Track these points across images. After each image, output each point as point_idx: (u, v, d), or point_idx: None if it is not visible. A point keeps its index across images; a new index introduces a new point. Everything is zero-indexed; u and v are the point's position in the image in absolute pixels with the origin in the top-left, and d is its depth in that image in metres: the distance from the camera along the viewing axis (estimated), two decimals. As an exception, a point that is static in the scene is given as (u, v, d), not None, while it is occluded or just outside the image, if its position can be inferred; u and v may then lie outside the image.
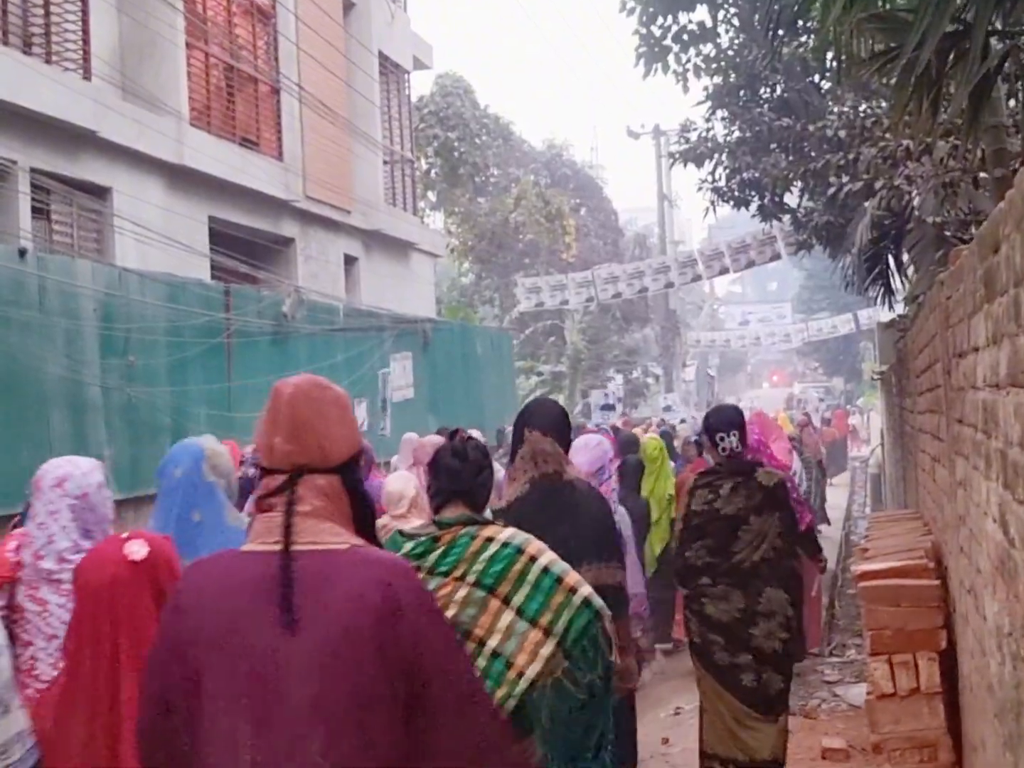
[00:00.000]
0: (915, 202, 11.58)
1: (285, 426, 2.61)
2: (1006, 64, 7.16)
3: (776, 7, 17.61)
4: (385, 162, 22.79)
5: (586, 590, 3.49)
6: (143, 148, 14.50)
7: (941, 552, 5.81)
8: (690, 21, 20.07)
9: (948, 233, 11.06)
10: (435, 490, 3.72)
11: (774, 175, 16.14)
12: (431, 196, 36.90)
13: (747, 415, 7.57)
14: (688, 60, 20.43)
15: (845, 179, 13.19)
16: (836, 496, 24.67)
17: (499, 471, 6.88)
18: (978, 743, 4.24)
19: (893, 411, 14.96)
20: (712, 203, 19.92)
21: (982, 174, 9.74)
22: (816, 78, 17.71)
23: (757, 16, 18.56)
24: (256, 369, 14.19)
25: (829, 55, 11.28)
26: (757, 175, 18.31)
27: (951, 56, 6.48)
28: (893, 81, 7.39)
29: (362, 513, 2.68)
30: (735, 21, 19.80)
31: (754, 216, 20.13)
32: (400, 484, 5.92)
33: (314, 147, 18.96)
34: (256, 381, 14.10)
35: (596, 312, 38.67)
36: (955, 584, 5.06)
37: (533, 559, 3.46)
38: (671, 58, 20.42)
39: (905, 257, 13.83)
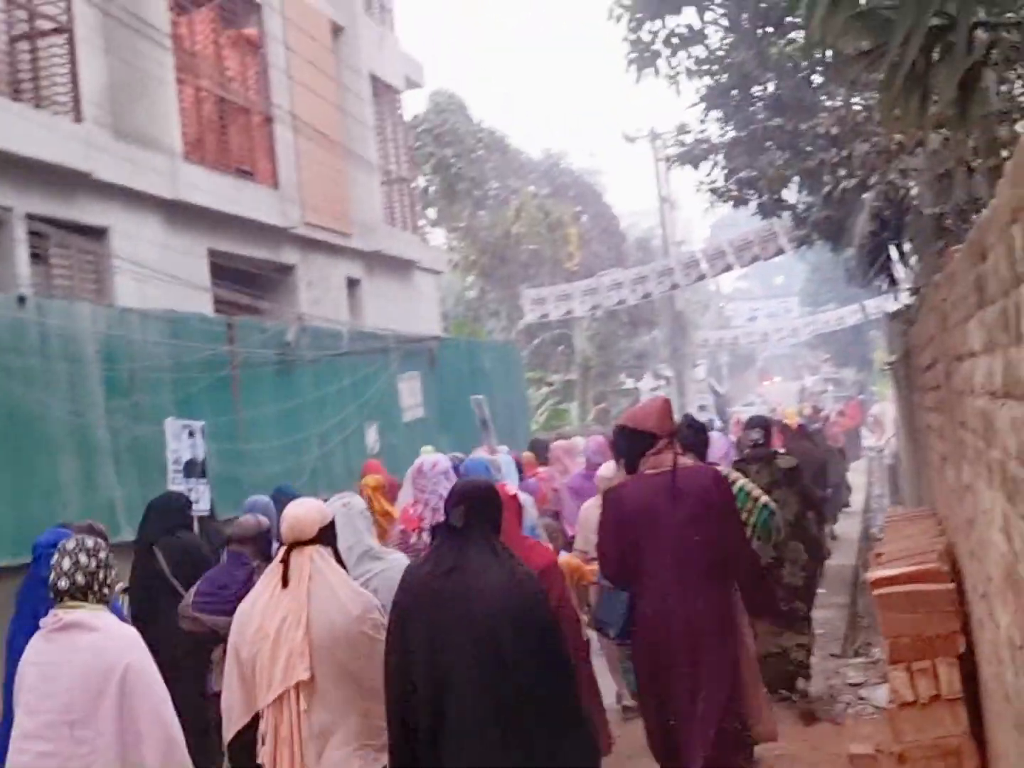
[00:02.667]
0: (913, 192, 11.54)
1: (656, 416, 6.05)
2: (992, 53, 7.12)
3: (763, 6, 17.60)
4: (382, 183, 22.80)
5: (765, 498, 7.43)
6: (138, 186, 14.51)
7: (955, 553, 5.76)
8: (678, 24, 20.03)
9: (948, 221, 11.01)
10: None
11: (770, 174, 16.10)
12: (431, 213, 36.97)
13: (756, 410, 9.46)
14: (679, 63, 20.38)
15: (841, 174, 13.16)
16: (854, 487, 24.55)
17: None
18: (1002, 751, 4.19)
19: (904, 402, 14.88)
20: (711, 203, 19.91)
21: (976, 162, 9.70)
22: (807, 74, 17.68)
23: (745, 16, 18.54)
24: (263, 400, 14.18)
25: (817, 53, 11.24)
26: (754, 174, 18.27)
27: (937, 50, 6.45)
28: (881, 77, 7.36)
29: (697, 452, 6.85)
30: (723, 22, 19.76)
31: (754, 214, 20.11)
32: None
33: (310, 173, 18.97)
34: (264, 412, 14.11)
35: (603, 318, 38.67)
36: (969, 587, 5.00)
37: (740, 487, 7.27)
38: (661, 62, 20.36)
39: (907, 246, 13.79)
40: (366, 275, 21.55)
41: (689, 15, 19.83)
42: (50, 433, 10.87)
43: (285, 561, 4.84)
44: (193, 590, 5.94)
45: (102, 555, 4.65)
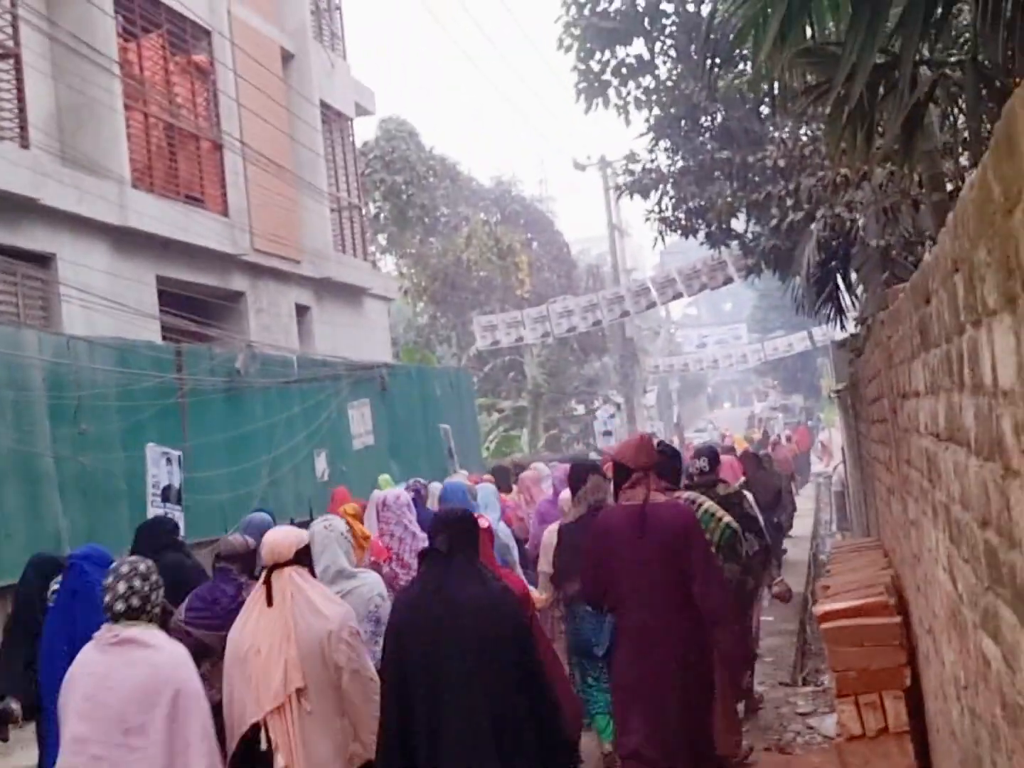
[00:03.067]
0: (859, 223, 11.66)
1: (633, 451, 6.53)
2: (936, 90, 7.23)
3: (711, 38, 17.74)
4: (332, 210, 22.77)
5: (727, 518, 7.83)
6: (85, 212, 14.41)
7: (901, 586, 5.80)
8: (627, 55, 20.21)
9: (894, 253, 11.13)
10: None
11: (719, 204, 16.23)
12: (381, 240, 36.93)
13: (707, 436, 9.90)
14: (628, 93, 20.55)
15: (789, 204, 13.28)
16: (802, 513, 24.70)
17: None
18: (947, 785, 4.21)
19: (851, 431, 15.01)
20: (660, 233, 20.00)
21: (921, 195, 9.83)
22: (755, 105, 17.85)
23: (693, 47, 18.71)
24: (212, 428, 14.09)
25: (765, 86, 11.36)
26: (702, 203, 18.40)
27: (882, 86, 6.54)
28: (828, 111, 7.46)
29: (670, 485, 7.25)
30: (672, 53, 19.95)
31: (703, 243, 20.23)
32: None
33: (260, 200, 18.92)
34: (212, 440, 14.01)
35: (554, 345, 38.72)
36: (915, 621, 5.04)
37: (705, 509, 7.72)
38: (611, 92, 20.53)
39: (854, 276, 13.92)
40: (316, 302, 21.50)
41: (639, 46, 20.02)
42: (-6, 463, 10.74)
43: (267, 582, 5.37)
44: (184, 606, 6.16)
45: (153, 578, 5.03)
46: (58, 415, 11.72)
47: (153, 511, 10.46)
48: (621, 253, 43.33)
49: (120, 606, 4.86)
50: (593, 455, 21.83)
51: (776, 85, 7.86)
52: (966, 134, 9.20)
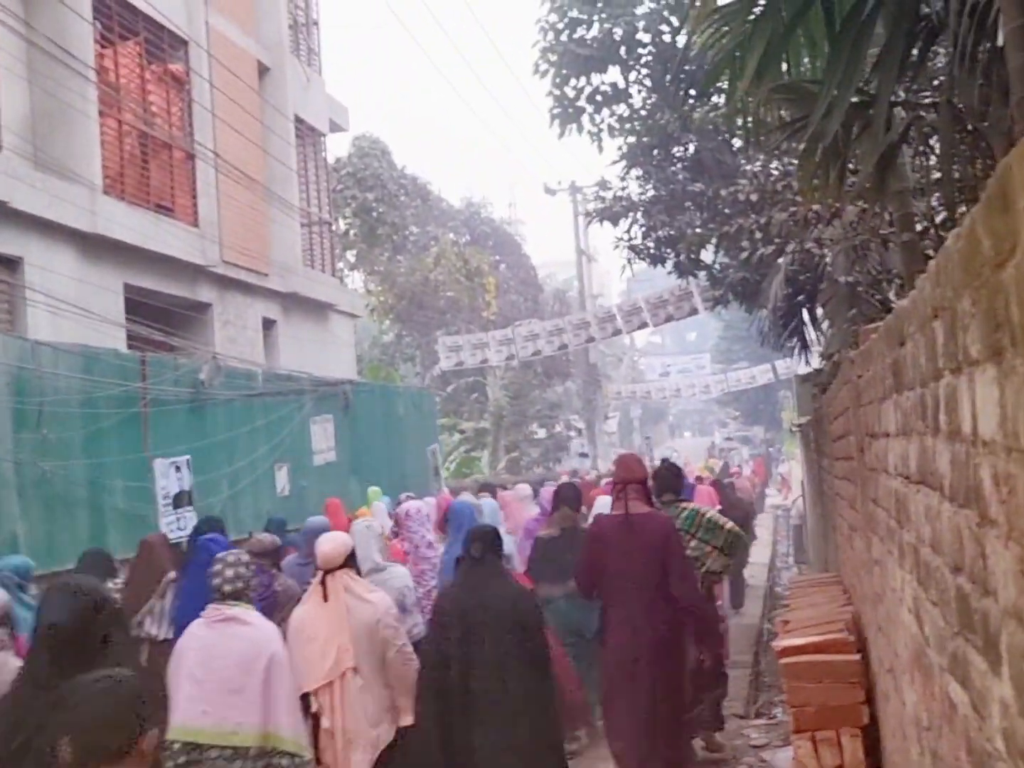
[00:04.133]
0: (828, 259, 11.76)
1: (618, 468, 8.17)
2: (911, 131, 7.32)
3: (685, 69, 17.91)
4: (303, 225, 22.73)
5: (731, 525, 8.92)
6: (55, 217, 14.32)
7: (861, 624, 5.84)
8: (603, 82, 20.35)
9: (861, 290, 11.23)
10: (656, 490, 8.79)
11: (689, 235, 16.33)
12: (350, 256, 36.88)
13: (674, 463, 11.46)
14: (602, 120, 20.68)
15: (759, 237, 13.38)
16: (759, 544, 24.81)
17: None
18: (902, 824, 4.23)
19: (812, 465, 15.09)
20: (629, 260, 20.08)
21: (891, 232, 9.92)
22: (728, 136, 17.99)
23: (668, 77, 18.86)
24: (174, 438, 13.98)
25: (739, 120, 11.47)
26: (672, 233, 18.51)
27: (856, 125, 6.62)
28: (802, 147, 7.52)
29: (648, 498, 7.91)
30: (647, 82, 20.10)
31: (670, 273, 20.33)
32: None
33: (230, 212, 18.86)
34: (174, 450, 13.91)
35: (518, 368, 38.76)
36: (875, 660, 5.07)
37: (708, 518, 8.86)
38: (585, 118, 20.66)
39: (820, 311, 14.02)
40: (282, 316, 21.44)
41: (614, 74, 20.17)
42: (-47, 466, 10.63)
43: (323, 583, 6.64)
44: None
45: (252, 567, 6.23)
46: (20, 420, 11.60)
47: (164, 520, 11.35)
48: (588, 279, 43.49)
49: (228, 588, 5.95)
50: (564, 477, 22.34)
51: (750, 119, 7.93)
52: (938, 175, 9.32)
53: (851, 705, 5.20)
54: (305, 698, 6.43)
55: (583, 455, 33.26)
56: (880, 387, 3.94)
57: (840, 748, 5.16)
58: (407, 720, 6.61)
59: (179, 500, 11.84)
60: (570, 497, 10.26)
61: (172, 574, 8.79)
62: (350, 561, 6.75)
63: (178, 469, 12.00)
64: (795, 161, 13.69)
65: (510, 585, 6.78)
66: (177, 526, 11.17)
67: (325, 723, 6.45)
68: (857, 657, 5.30)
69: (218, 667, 5.81)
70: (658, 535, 7.49)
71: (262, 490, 16.05)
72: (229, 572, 6.01)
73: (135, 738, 3.17)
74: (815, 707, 5.23)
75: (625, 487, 7.76)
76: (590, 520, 9.83)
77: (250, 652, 5.83)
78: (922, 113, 7.32)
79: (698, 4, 7.40)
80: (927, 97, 7.96)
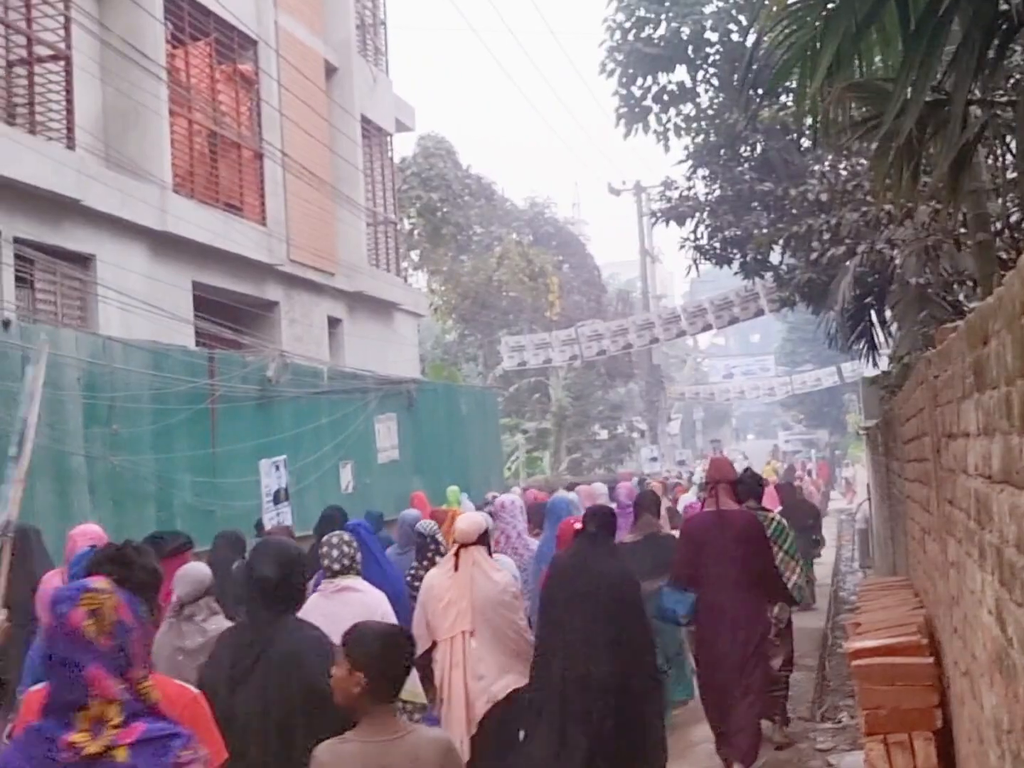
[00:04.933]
0: (897, 261, 11.63)
1: (710, 468, 9.18)
2: (986, 130, 7.22)
3: (753, 68, 17.77)
4: (368, 224, 22.84)
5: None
6: (126, 216, 14.51)
7: (934, 627, 5.77)
8: (669, 81, 20.28)
9: (931, 292, 11.10)
10: (741, 496, 9.22)
11: (756, 236, 16.22)
12: (414, 256, 37.01)
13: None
14: (668, 120, 20.60)
15: (827, 238, 13.27)
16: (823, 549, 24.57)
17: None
18: (977, 829, 4.18)
19: (880, 468, 14.92)
20: (695, 261, 20.00)
21: (963, 232, 9.80)
22: (796, 136, 17.85)
23: (736, 76, 18.74)
24: (241, 434, 14.11)
25: (808, 119, 11.38)
26: (739, 233, 18.40)
27: (931, 124, 6.53)
28: (873, 145, 7.44)
29: (736, 496, 8.84)
30: (714, 81, 19.99)
31: (736, 273, 20.22)
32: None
33: (297, 211, 19.01)
34: (241, 446, 14.04)
35: (580, 368, 38.71)
36: (949, 663, 5.01)
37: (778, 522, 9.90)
38: (651, 118, 20.60)
39: (888, 314, 13.86)
40: (348, 315, 21.56)
41: (681, 73, 20.08)
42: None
43: (456, 555, 7.56)
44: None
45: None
46: (91, 415, 11.77)
47: (267, 515, 11.85)
48: (652, 279, 43.34)
49: (337, 565, 6.72)
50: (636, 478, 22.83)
51: (821, 118, 7.85)
52: (1013, 174, 9.19)
53: (925, 708, 5.14)
54: (427, 653, 7.36)
55: (654, 459, 33.40)
56: (960, 386, 3.89)
57: (912, 751, 5.10)
58: (520, 682, 7.36)
59: (277, 497, 12.31)
60: (651, 504, 11.05)
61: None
62: (483, 539, 7.69)
63: (277, 468, 12.42)
64: (864, 161, 13.59)
65: (618, 561, 7.61)
66: (277, 520, 11.66)
67: (438, 675, 7.34)
68: (930, 660, 5.24)
69: (338, 630, 6.05)
70: (746, 529, 8.54)
71: (327, 487, 16.13)
72: (335, 552, 6.78)
73: (328, 668, 4.30)
74: (887, 710, 5.18)
75: (716, 486, 8.73)
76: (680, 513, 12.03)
77: (364, 614, 6.20)
78: (998, 112, 7.23)
79: (767, 2, 7.35)
80: (1003, 95, 7.85)
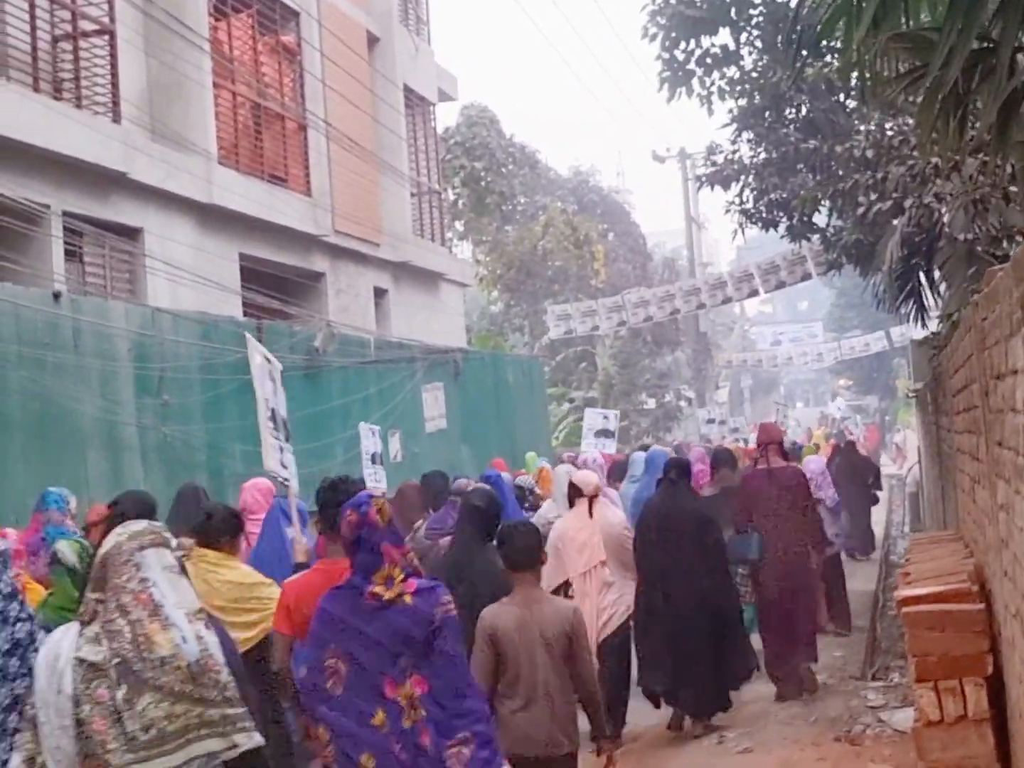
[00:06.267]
0: (945, 219, 11.50)
1: (760, 432, 10.96)
2: (1034, 79, 7.12)
3: (798, 28, 17.59)
4: (412, 194, 22.90)
5: None
6: (173, 188, 14.63)
7: (984, 575, 5.74)
8: (713, 44, 20.05)
9: (980, 249, 10.97)
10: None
11: (802, 196, 16.08)
12: (459, 226, 36.99)
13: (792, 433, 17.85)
14: (712, 83, 20.39)
15: (874, 197, 13.13)
16: (874, 513, 24.47)
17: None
18: (1029, 770, 4.18)
19: (930, 429, 14.83)
20: (740, 225, 19.85)
21: (1012, 189, 9.69)
22: (841, 97, 17.66)
23: (780, 37, 18.54)
24: (290, 404, 14.11)
25: (854, 75, 11.25)
26: (785, 196, 18.23)
27: (977, 73, 6.45)
28: (919, 99, 7.36)
29: (784, 454, 10.60)
30: (758, 43, 19.77)
31: (783, 237, 20.07)
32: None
33: (342, 181, 19.07)
34: (289, 416, 14.13)
35: (627, 337, 38.58)
36: (1000, 608, 5.00)
37: None
38: (695, 82, 20.39)
39: (937, 274, 13.72)
40: (393, 285, 21.64)
41: (724, 35, 19.87)
42: (80, 428, 10.97)
43: (589, 504, 8.91)
44: (425, 524, 9.75)
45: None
46: (142, 386, 11.92)
47: (367, 471, 12.30)
48: (698, 246, 43.14)
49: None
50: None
51: (866, 73, 7.75)
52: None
53: (975, 654, 5.13)
54: (566, 585, 8.77)
55: (711, 421, 32.97)
56: (1007, 324, 3.87)
57: (964, 697, 5.10)
58: (631, 608, 8.91)
59: (374, 458, 12.93)
60: (727, 460, 12.41)
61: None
62: (600, 491, 9.31)
63: (373, 434, 13.03)
64: (910, 121, 13.44)
65: (698, 502, 9.57)
66: (374, 479, 12.11)
67: (577, 602, 8.02)
68: (981, 606, 5.23)
69: None
70: (791, 482, 10.10)
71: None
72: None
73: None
74: (937, 656, 5.17)
75: (767, 447, 10.30)
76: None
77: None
78: (1047, 59, 7.12)
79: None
80: (1052, 42, 7.74)
